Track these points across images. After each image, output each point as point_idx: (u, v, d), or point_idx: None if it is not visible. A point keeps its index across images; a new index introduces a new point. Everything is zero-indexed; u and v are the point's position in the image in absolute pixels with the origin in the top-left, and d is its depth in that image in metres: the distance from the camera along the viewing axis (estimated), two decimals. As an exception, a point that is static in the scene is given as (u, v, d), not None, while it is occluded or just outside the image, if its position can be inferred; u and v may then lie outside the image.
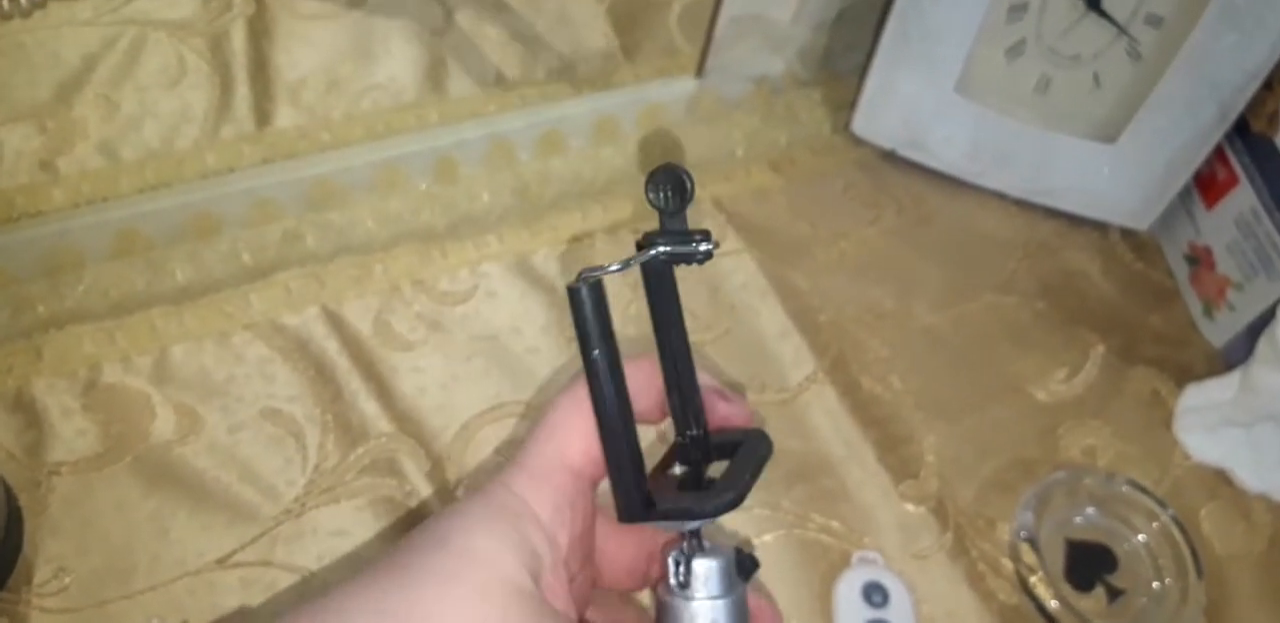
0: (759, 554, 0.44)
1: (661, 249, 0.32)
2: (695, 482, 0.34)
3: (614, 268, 0.30)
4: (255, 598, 0.45)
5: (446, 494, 0.48)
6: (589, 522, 0.33)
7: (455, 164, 0.60)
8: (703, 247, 0.32)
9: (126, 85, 0.61)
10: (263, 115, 0.61)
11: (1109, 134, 0.60)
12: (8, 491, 0.45)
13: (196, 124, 0.60)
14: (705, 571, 0.32)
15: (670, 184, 0.32)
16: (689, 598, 0.32)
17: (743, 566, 0.33)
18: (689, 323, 0.52)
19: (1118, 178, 0.61)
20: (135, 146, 0.58)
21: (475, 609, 0.28)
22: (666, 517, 0.32)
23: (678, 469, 0.34)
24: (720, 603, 0.32)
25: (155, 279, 0.54)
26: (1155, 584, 0.49)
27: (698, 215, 0.60)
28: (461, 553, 0.29)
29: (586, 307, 0.30)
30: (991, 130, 0.62)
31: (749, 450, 0.34)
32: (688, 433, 0.34)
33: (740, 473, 0.33)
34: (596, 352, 0.30)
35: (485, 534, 0.29)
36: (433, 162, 0.59)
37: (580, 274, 0.31)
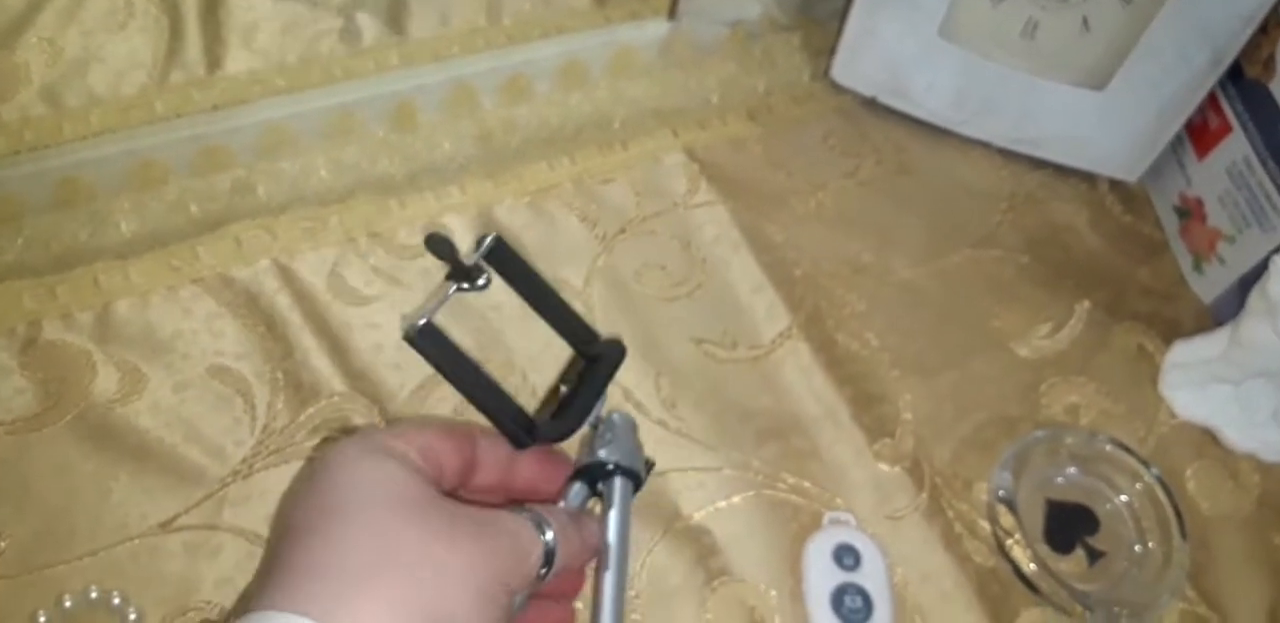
0: (726, 517, 0.43)
1: (453, 289, 0.41)
2: (567, 402, 0.43)
3: (423, 318, 0.39)
4: (200, 563, 0.43)
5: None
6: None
7: (415, 110, 0.57)
8: (479, 282, 0.41)
9: (71, 28, 0.57)
10: (214, 60, 0.58)
11: (1098, 81, 0.57)
12: (-61, 451, 0.43)
13: (144, 69, 0.57)
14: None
15: (441, 250, 0.39)
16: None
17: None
18: (660, 277, 0.51)
19: (1106, 127, 0.59)
20: (79, 93, 0.55)
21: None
22: (542, 440, 0.40)
23: (563, 389, 0.44)
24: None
25: (98, 231, 0.52)
26: (1137, 547, 0.47)
27: (670, 165, 0.58)
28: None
29: (427, 348, 0.39)
30: (976, 77, 0.59)
31: (601, 368, 0.44)
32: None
33: (586, 394, 0.43)
34: (456, 373, 0.40)
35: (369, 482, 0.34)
36: (391, 107, 0.57)
37: (404, 325, 0.39)
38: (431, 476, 0.35)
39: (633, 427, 0.44)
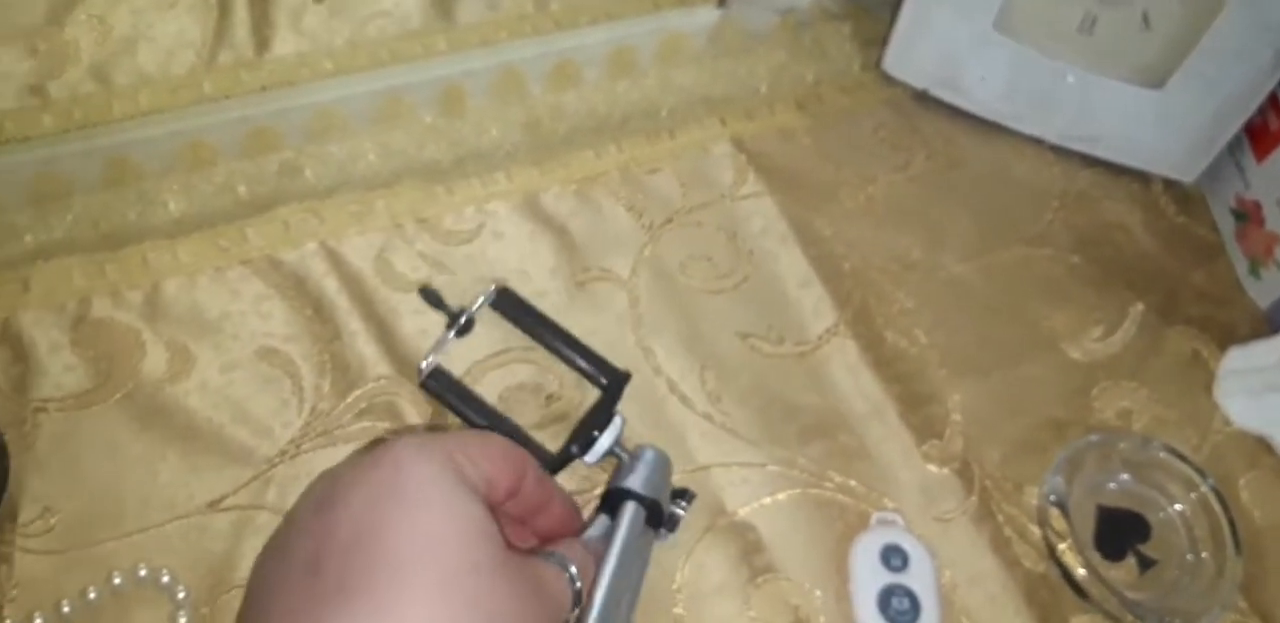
0: (771, 514, 0.43)
1: (450, 336, 0.48)
2: (576, 432, 0.46)
3: (431, 359, 0.47)
4: (246, 543, 0.43)
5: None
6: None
7: (463, 95, 0.57)
8: (462, 321, 0.48)
9: (121, 7, 0.57)
10: (262, 41, 0.57)
11: (1156, 79, 0.56)
12: (-9, 427, 0.44)
13: (193, 49, 0.56)
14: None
15: (432, 300, 0.49)
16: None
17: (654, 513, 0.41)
18: (706, 269, 0.51)
19: (1163, 126, 0.57)
20: (129, 72, 0.55)
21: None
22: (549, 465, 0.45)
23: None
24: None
25: (147, 211, 0.52)
26: (1189, 556, 0.46)
27: (718, 155, 0.57)
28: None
29: (439, 390, 0.46)
30: (1031, 71, 0.58)
31: (606, 396, 0.47)
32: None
33: (590, 421, 0.46)
34: (467, 408, 0.46)
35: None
36: (439, 92, 0.56)
37: (420, 370, 0.47)
38: (483, 500, 0.33)
39: (663, 461, 0.43)
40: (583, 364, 0.47)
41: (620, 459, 0.44)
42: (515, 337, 0.49)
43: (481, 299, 0.48)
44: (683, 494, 0.44)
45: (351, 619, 0.28)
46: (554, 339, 0.48)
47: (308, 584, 0.29)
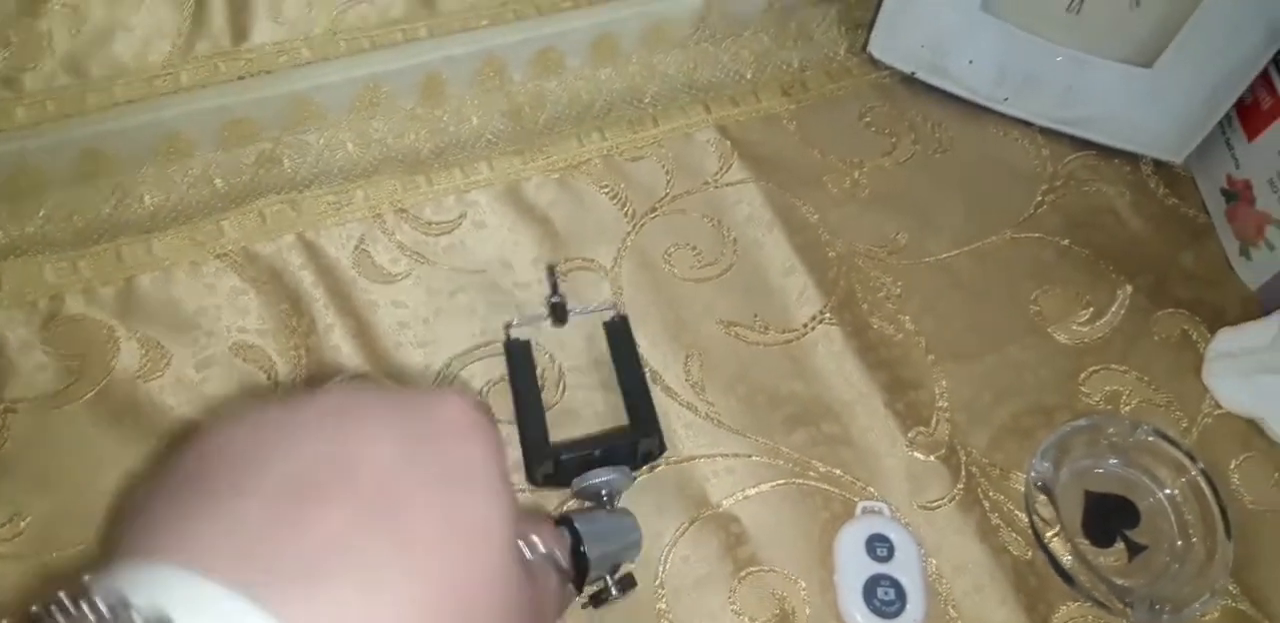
0: (756, 505, 0.42)
1: (547, 315, 0.50)
2: (585, 458, 0.44)
3: (518, 323, 0.49)
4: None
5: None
6: None
7: (443, 83, 0.56)
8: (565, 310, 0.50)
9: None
10: (239, 30, 0.56)
11: (1146, 58, 0.55)
12: (-40, 427, 0.43)
13: (169, 39, 0.56)
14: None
15: (553, 281, 0.50)
16: None
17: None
18: (690, 258, 0.50)
19: (1154, 106, 0.57)
20: (104, 63, 0.54)
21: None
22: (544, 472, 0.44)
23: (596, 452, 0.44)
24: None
25: (121, 204, 0.51)
26: (1179, 542, 0.46)
27: (702, 142, 0.56)
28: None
29: (515, 352, 0.47)
30: (1019, 52, 0.57)
31: (629, 452, 0.45)
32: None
33: (596, 459, 0.44)
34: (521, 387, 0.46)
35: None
36: (419, 80, 0.55)
37: (506, 330, 0.48)
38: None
39: (632, 534, 0.42)
40: (645, 415, 0.46)
41: (602, 506, 0.43)
42: (494, 328, 0.49)
43: (597, 306, 0.49)
44: (626, 580, 0.41)
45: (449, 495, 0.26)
46: (631, 379, 0.47)
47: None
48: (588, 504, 0.43)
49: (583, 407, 0.47)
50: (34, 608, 0.22)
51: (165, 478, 0.26)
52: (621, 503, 0.43)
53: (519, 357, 0.47)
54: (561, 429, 0.46)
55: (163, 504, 0.25)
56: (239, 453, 0.25)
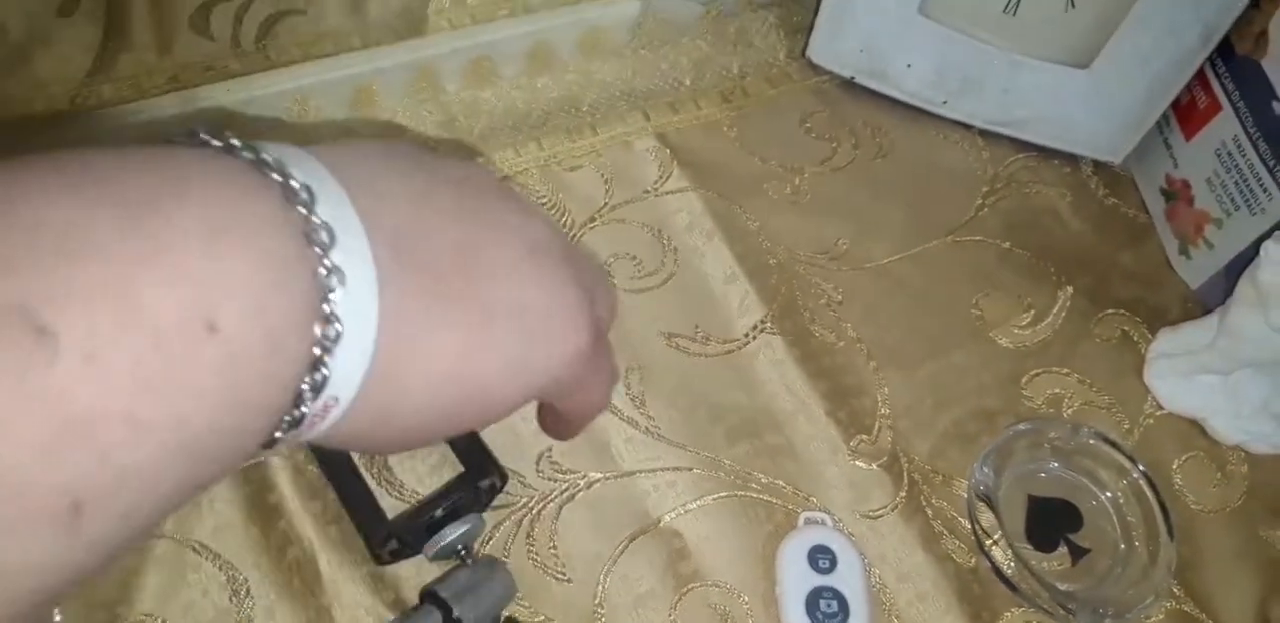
0: (698, 519, 0.42)
1: None
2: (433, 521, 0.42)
3: None
4: (147, 574, 0.41)
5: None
6: None
7: (374, 95, 0.55)
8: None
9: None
10: (164, 44, 0.55)
11: (1083, 58, 0.55)
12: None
13: (91, 54, 0.54)
14: None
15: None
16: None
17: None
18: (630, 268, 0.49)
19: (1091, 106, 0.57)
20: (22, 81, 0.53)
21: None
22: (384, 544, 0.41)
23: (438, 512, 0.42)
24: None
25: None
26: (1122, 545, 0.46)
27: (641, 151, 0.56)
28: None
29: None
30: (957, 55, 0.57)
31: (474, 497, 0.43)
32: None
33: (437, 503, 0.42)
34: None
35: None
36: (349, 92, 0.54)
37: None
38: None
39: (506, 586, 0.41)
40: (467, 452, 0.43)
41: (462, 563, 0.41)
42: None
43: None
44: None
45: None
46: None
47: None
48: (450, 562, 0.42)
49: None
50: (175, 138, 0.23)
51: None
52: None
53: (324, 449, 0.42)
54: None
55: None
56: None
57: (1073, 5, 0.55)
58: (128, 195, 0.20)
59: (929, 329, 0.52)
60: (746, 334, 0.50)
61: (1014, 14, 0.56)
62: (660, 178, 0.55)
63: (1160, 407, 0.51)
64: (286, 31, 0.57)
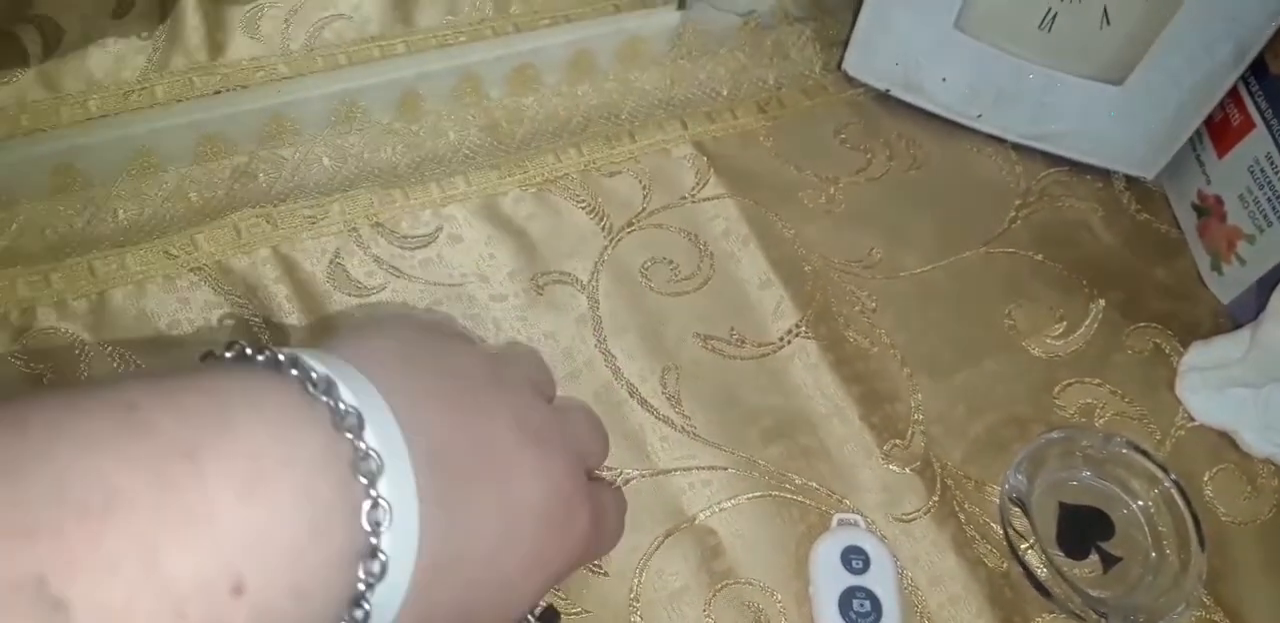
0: (732, 518, 0.42)
1: None
2: None
3: None
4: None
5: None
6: None
7: (419, 99, 0.56)
8: None
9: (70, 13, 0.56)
10: (215, 46, 0.56)
11: (1117, 75, 0.56)
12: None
13: (145, 54, 0.56)
14: None
15: None
16: None
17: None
18: (667, 272, 0.50)
19: (1124, 122, 0.57)
20: (78, 77, 0.54)
21: None
22: None
23: None
24: None
25: (95, 218, 0.51)
26: (1153, 554, 0.46)
27: (679, 158, 0.57)
28: None
29: None
30: (991, 70, 0.58)
31: None
32: None
33: None
34: None
35: None
36: (395, 95, 0.55)
37: None
38: None
39: None
40: None
41: None
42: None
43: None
44: (548, 614, 0.41)
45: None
46: None
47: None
48: None
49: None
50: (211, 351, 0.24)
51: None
52: None
53: None
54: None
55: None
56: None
57: (1108, 22, 0.56)
58: (165, 445, 0.19)
59: (962, 338, 0.52)
60: (781, 338, 0.51)
61: (1049, 30, 0.57)
62: (697, 184, 0.56)
63: (1191, 419, 0.51)
64: (334, 35, 0.58)
